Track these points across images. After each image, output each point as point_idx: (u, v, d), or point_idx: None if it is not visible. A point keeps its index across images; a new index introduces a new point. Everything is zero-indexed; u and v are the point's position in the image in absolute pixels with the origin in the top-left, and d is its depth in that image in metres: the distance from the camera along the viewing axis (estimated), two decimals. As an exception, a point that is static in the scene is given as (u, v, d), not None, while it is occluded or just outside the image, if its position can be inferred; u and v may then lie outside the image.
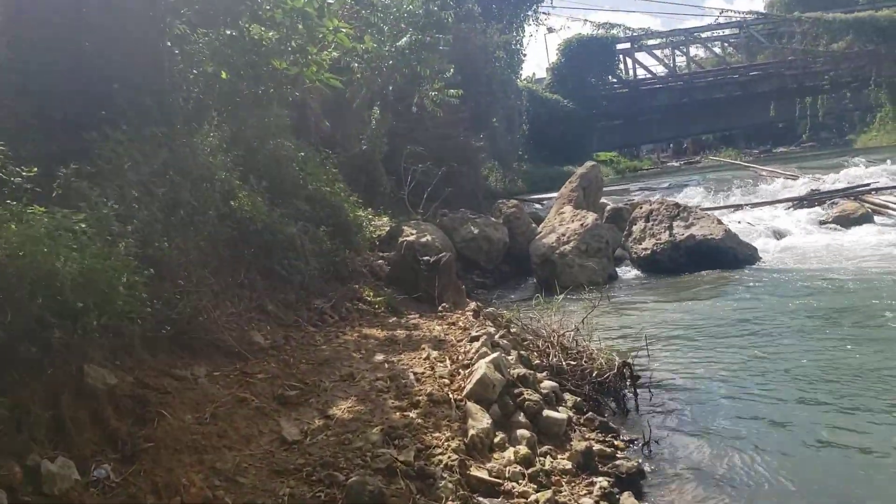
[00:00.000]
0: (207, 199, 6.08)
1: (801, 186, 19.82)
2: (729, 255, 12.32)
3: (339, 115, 15.48)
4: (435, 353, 5.40)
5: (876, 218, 15.92)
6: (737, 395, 6.10)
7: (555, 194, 21.48)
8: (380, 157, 15.63)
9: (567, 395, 5.57)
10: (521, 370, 5.14)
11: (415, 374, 4.98)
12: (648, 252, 12.77)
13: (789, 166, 23.74)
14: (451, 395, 4.59)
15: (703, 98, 36.58)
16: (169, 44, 6.50)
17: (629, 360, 6.03)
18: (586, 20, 36.60)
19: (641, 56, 37.54)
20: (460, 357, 5.30)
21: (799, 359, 6.82)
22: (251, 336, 5.55)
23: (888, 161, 21.47)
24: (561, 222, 13.15)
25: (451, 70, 16.31)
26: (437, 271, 8.34)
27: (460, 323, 6.54)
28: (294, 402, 4.58)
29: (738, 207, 18.33)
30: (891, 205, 16.38)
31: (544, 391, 5.14)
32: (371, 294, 7.83)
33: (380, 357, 5.46)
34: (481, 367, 4.71)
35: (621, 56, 37.05)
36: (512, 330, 6.50)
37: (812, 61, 34.16)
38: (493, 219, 14.13)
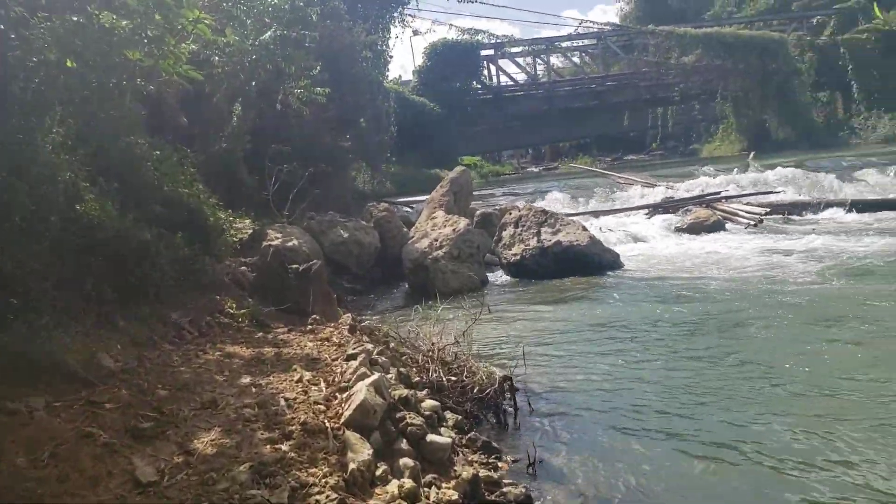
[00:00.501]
0: (49, 204, 5.40)
1: (657, 194, 20.64)
2: (594, 260, 12.54)
3: (198, 112, 14.64)
4: (308, 375, 5.00)
5: (727, 225, 16.77)
6: (613, 407, 6.04)
7: (424, 197, 21.26)
8: (242, 156, 14.93)
9: (448, 414, 5.32)
10: (403, 391, 4.83)
11: (286, 399, 4.57)
12: (518, 257, 12.80)
13: (644, 174, 24.73)
14: (327, 424, 4.21)
15: (564, 106, 37.61)
16: (2, 27, 5.75)
17: (509, 374, 5.86)
18: (451, 24, 36.58)
19: (505, 63, 38.16)
20: (336, 378, 4.93)
21: (671, 367, 6.90)
22: (99, 358, 4.95)
23: (735, 170, 22.75)
24: (433, 227, 12.97)
25: (318, 68, 15.81)
26: (306, 280, 7.91)
27: (334, 338, 6.15)
28: (149, 436, 4.06)
29: (598, 213, 18.85)
30: (740, 212, 17.29)
31: (426, 412, 4.86)
32: (234, 306, 7.31)
33: (246, 380, 5.00)
34: (361, 391, 4.36)
35: (485, 62, 37.49)
36: (390, 345, 6.17)
37: (665, 73, 35.82)
38: (363, 222, 13.76)
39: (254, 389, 4.79)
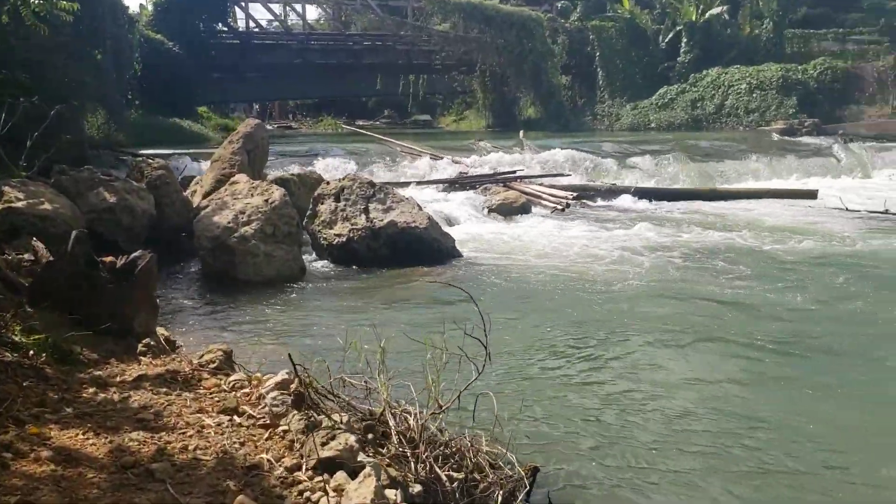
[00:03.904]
0: None
1: (445, 167, 19.15)
2: (433, 247, 10.67)
3: None
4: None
5: (533, 208, 15.76)
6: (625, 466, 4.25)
7: (176, 151, 17.92)
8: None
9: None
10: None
11: None
12: (344, 239, 10.47)
13: (420, 144, 23.13)
14: None
15: (319, 62, 34.81)
16: None
17: (535, 464, 3.80)
18: (197, -45, 31.81)
19: (257, 8, 34.44)
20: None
21: (674, 395, 5.27)
22: None
23: (515, 148, 21.96)
24: (234, 195, 10.16)
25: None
26: (131, 282, 5.10)
27: (241, 404, 3.59)
28: None
29: (394, 186, 16.92)
30: (545, 195, 16.36)
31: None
32: (17, 329, 4.36)
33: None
34: None
35: (233, 4, 33.44)
36: (345, 419, 3.70)
37: (426, 40, 34.50)
38: (134, 183, 10.53)
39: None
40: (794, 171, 21.18)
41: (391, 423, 3.75)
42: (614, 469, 4.31)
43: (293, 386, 3.55)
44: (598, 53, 35.12)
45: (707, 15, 32.64)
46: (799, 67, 29.87)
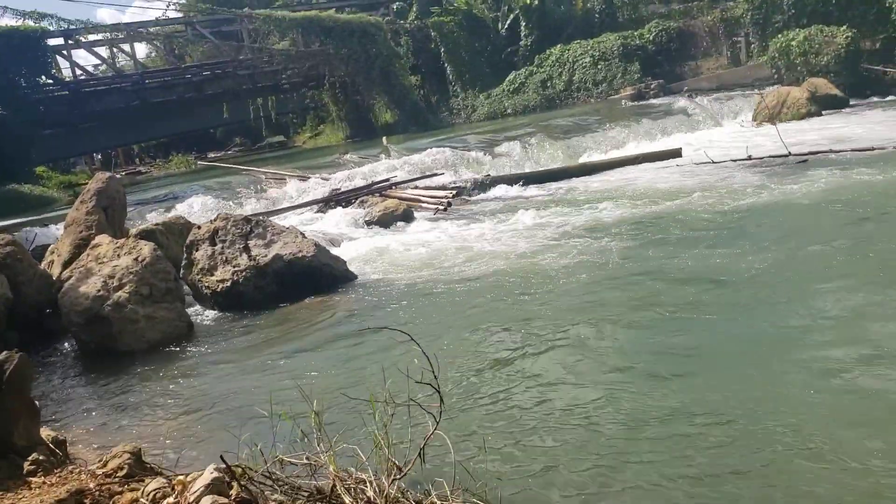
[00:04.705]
0: None
1: (317, 186, 18.51)
2: (325, 273, 10.07)
3: None
4: None
5: (415, 213, 15.39)
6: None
7: (21, 220, 16.57)
8: None
9: None
10: None
11: None
12: (228, 284, 9.72)
13: (286, 167, 22.37)
14: None
15: (158, 100, 33.07)
16: None
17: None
18: (6, 8, 29.41)
19: (82, 54, 32.26)
20: None
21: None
22: None
23: (382, 155, 21.59)
24: (98, 259, 9.22)
25: None
26: (0, 391, 4.33)
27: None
28: None
29: (269, 214, 16.13)
30: (423, 198, 16.02)
31: None
32: None
33: None
34: None
35: (56, 54, 31.22)
36: None
37: (267, 61, 33.43)
38: (-22, 266, 9.38)
39: None
40: (653, 133, 21.80)
41: (347, 500, 3.23)
42: (596, 495, 3.94)
43: (234, 492, 2.97)
44: (442, 49, 35.22)
45: (539, -5, 33.37)
46: (635, 33, 30.95)
